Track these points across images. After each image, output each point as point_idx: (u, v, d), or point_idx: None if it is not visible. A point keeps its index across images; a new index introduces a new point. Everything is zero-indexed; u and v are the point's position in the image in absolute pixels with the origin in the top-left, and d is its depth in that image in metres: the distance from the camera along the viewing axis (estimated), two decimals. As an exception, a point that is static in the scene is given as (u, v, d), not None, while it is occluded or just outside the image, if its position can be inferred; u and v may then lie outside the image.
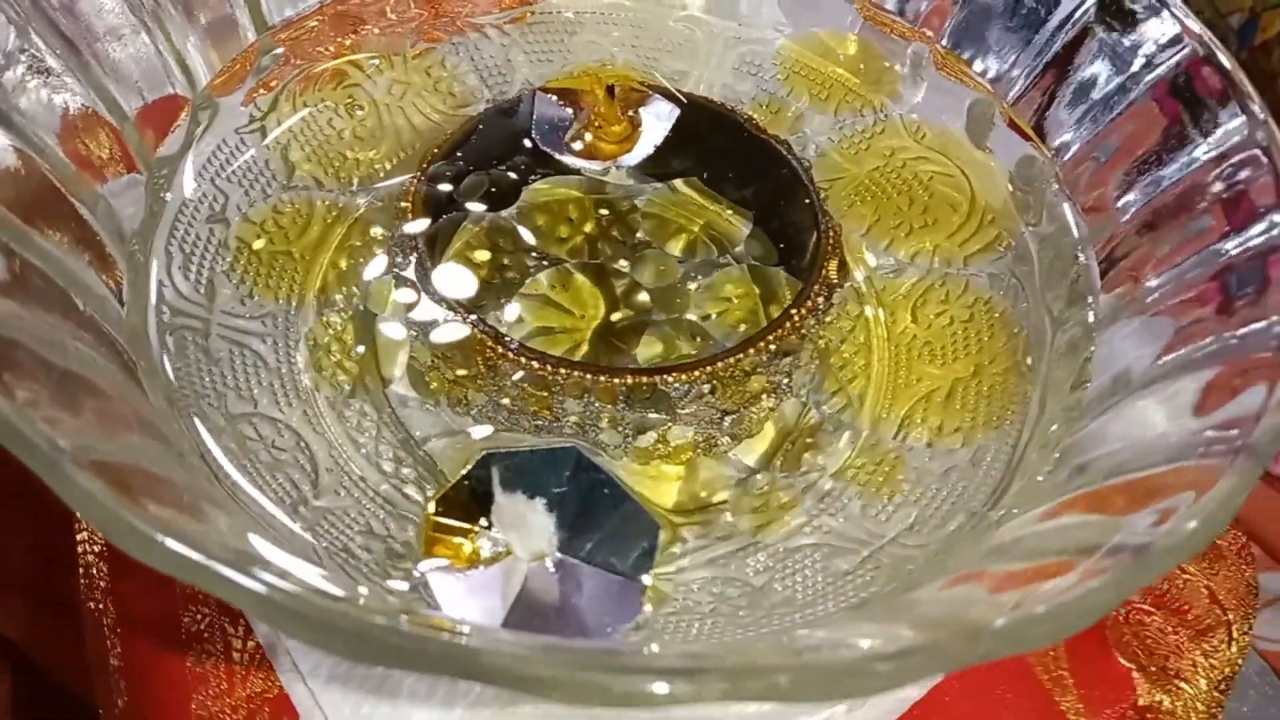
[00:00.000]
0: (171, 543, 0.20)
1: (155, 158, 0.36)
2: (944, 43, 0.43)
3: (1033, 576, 0.24)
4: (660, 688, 0.18)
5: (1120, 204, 0.37)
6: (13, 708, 0.54)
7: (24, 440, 0.21)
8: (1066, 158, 0.39)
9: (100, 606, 0.36)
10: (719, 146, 0.39)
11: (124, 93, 0.35)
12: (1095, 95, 0.39)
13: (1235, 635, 0.38)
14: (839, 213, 0.41)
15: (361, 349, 0.36)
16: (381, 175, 0.40)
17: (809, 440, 0.35)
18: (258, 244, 0.37)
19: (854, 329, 0.39)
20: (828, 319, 0.37)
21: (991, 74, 0.42)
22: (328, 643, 0.20)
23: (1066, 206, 0.38)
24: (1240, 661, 0.39)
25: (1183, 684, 0.37)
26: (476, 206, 0.37)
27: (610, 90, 0.37)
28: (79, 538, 0.37)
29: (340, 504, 0.32)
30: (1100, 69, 0.39)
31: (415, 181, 0.36)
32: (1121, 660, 0.36)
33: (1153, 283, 0.34)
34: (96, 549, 0.37)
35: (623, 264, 0.36)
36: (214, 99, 0.39)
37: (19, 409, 0.21)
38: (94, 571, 0.36)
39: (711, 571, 0.32)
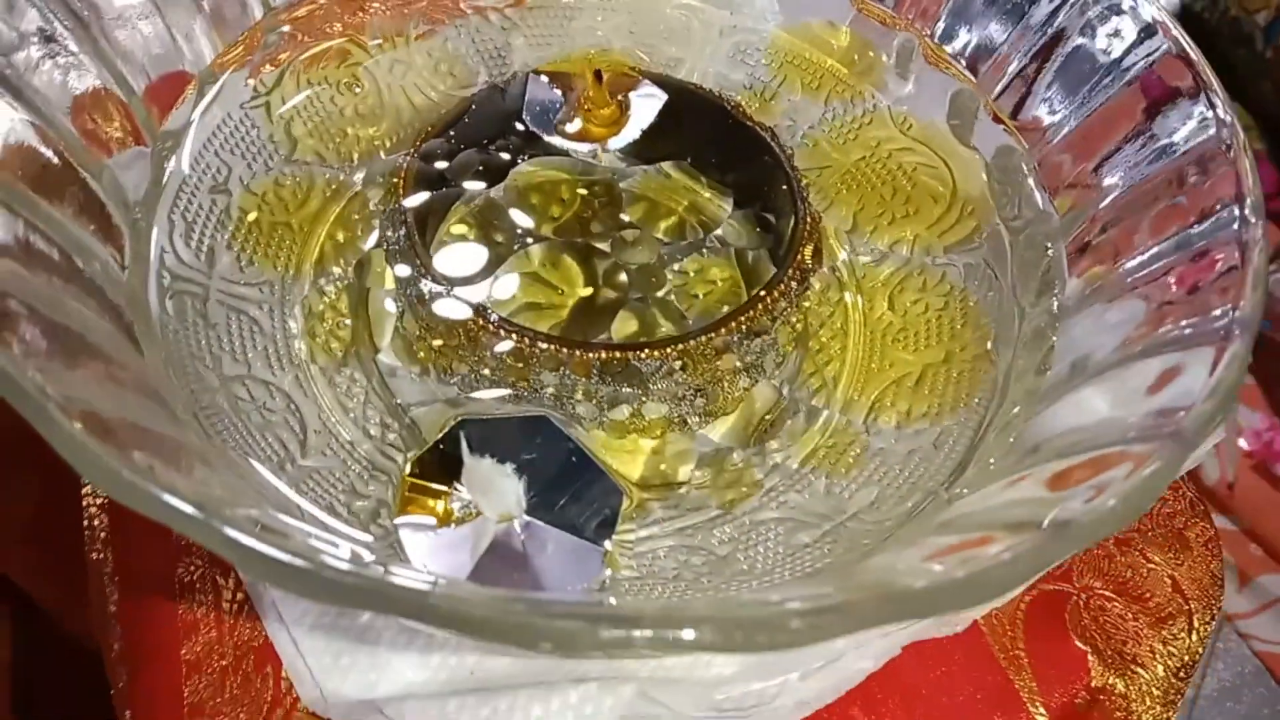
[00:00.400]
0: (150, 486, 0.21)
1: (161, 130, 0.38)
2: (940, 23, 0.44)
3: (964, 547, 0.25)
4: (588, 631, 0.20)
5: (1104, 184, 0.38)
6: (15, 651, 0.57)
7: (16, 388, 0.22)
8: (1055, 140, 0.40)
9: (101, 556, 0.38)
10: (704, 132, 0.40)
11: (132, 69, 0.37)
12: (1084, 75, 0.40)
13: (1196, 625, 0.39)
14: (825, 200, 0.43)
15: (350, 321, 0.37)
16: (381, 152, 0.42)
17: (781, 420, 0.37)
18: (257, 215, 0.39)
19: (833, 314, 0.40)
20: (805, 303, 0.39)
21: (985, 50, 0.43)
22: (293, 584, 0.22)
23: (1040, 197, 0.39)
24: (1201, 650, 0.40)
25: (1139, 669, 0.38)
26: (468, 184, 0.39)
27: (598, 75, 0.39)
28: (84, 490, 0.39)
29: (326, 464, 0.34)
30: (1090, 49, 0.40)
31: (409, 159, 0.38)
32: (1078, 643, 0.37)
33: (1130, 263, 0.35)
34: (99, 501, 0.39)
35: (606, 245, 0.37)
36: (220, 74, 0.40)
37: (13, 359, 0.23)
38: (96, 523, 0.38)
39: (679, 540, 0.33)
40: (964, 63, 0.43)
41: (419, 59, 0.44)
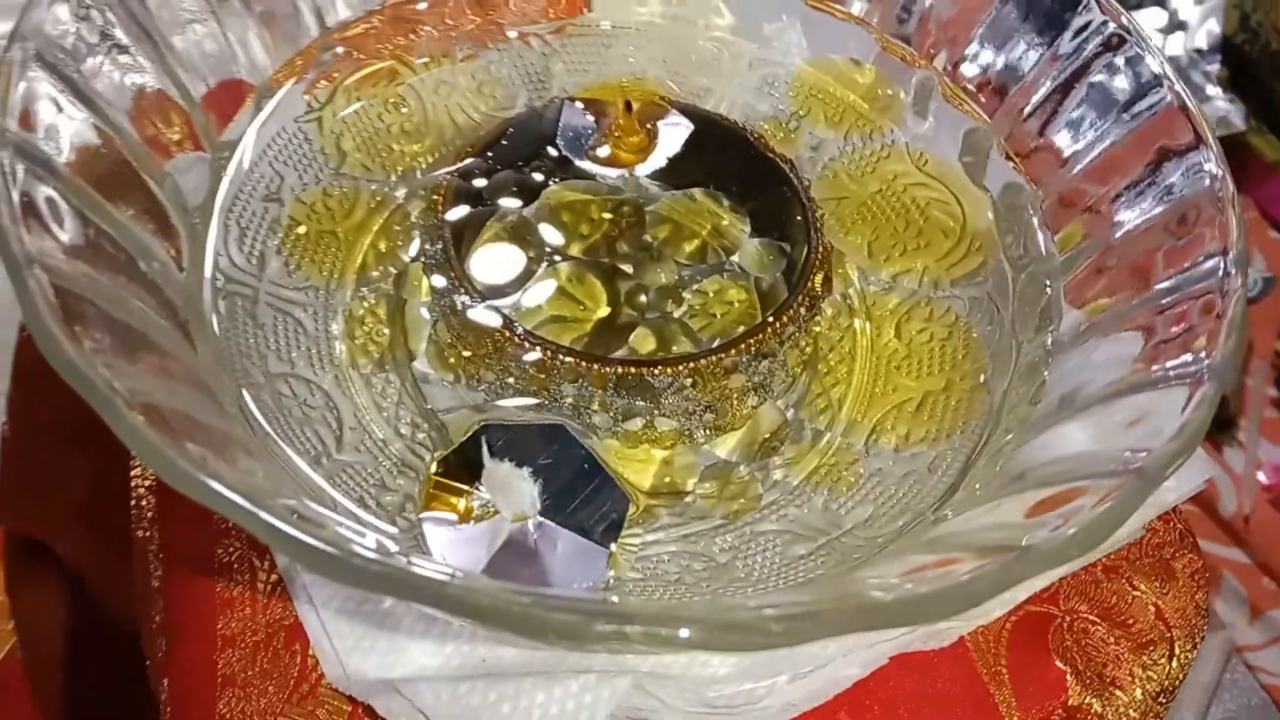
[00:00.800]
0: (202, 475, 0.24)
1: (220, 140, 0.40)
2: (971, 46, 0.46)
3: (938, 566, 0.27)
4: (584, 624, 0.22)
5: (1116, 218, 0.40)
6: (69, 628, 0.60)
7: (87, 382, 0.25)
8: (1076, 169, 0.42)
9: (147, 534, 0.41)
10: (728, 162, 0.42)
11: (192, 77, 0.40)
12: (1103, 110, 0.41)
13: (1178, 652, 0.41)
14: (843, 229, 0.45)
15: (388, 328, 0.40)
16: (423, 167, 0.44)
17: (785, 439, 0.39)
18: (306, 224, 0.41)
19: (842, 339, 0.42)
20: (815, 328, 0.41)
21: (1013, 74, 0.45)
22: (324, 569, 0.24)
23: (1043, 237, 0.41)
24: (1181, 677, 0.41)
25: (1118, 691, 0.39)
26: (503, 202, 0.41)
27: (628, 105, 0.41)
28: (133, 473, 0.42)
29: (359, 459, 0.36)
30: (1109, 86, 0.42)
31: (449, 176, 0.40)
32: (1058, 663, 0.39)
33: (1132, 299, 0.37)
34: (147, 483, 0.41)
35: (630, 266, 0.40)
36: (277, 89, 0.43)
37: (85, 355, 0.25)
38: (143, 503, 0.41)
39: (683, 546, 0.36)
40: (991, 85, 0.45)
41: (463, 80, 0.47)
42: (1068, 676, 0.39)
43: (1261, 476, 0.92)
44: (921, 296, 0.42)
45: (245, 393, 0.36)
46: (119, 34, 0.37)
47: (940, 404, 0.39)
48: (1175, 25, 1.08)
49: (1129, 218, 0.39)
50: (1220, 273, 0.32)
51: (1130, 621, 0.41)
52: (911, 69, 0.47)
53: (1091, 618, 0.40)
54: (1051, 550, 0.25)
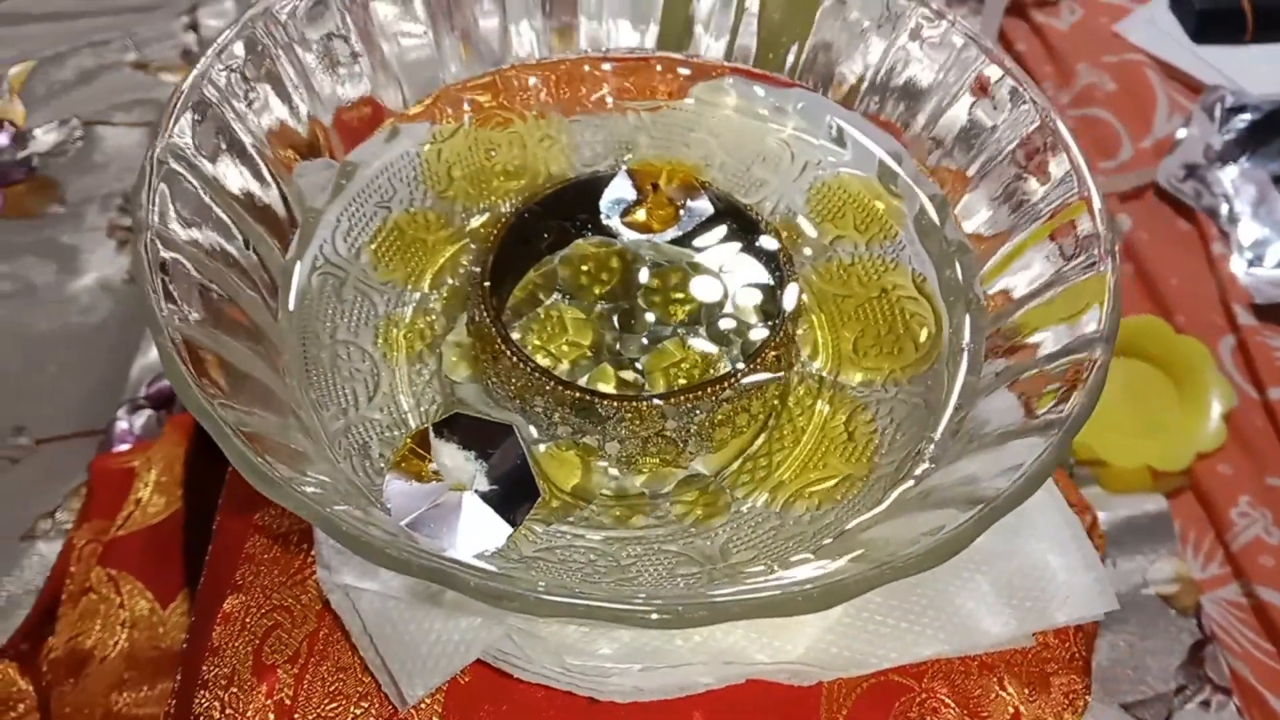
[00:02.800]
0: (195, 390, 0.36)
1: (348, 159, 0.53)
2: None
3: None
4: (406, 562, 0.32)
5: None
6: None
7: (155, 323, 0.37)
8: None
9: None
10: (735, 245, 0.50)
11: (328, 106, 0.52)
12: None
13: (1028, 755, 0.46)
14: (841, 321, 0.52)
15: (442, 325, 0.51)
16: (513, 202, 0.55)
17: (717, 487, 0.47)
18: (405, 230, 0.53)
19: (802, 415, 0.49)
20: (775, 402, 0.48)
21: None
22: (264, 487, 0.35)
23: (966, 363, 0.46)
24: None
25: (951, 774, 0.45)
26: (544, 245, 0.51)
27: (654, 185, 0.50)
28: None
29: (380, 418, 0.47)
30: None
31: (507, 216, 0.50)
32: (895, 730, 0.45)
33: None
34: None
35: (618, 315, 0.49)
36: (405, 124, 0.55)
37: (160, 303, 0.38)
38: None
39: (602, 546, 0.44)
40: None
41: (564, 137, 0.57)
42: (898, 744, 0.44)
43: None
44: (880, 394, 0.49)
45: (308, 349, 0.48)
46: (281, 71, 0.50)
47: (855, 489, 0.46)
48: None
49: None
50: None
51: (985, 715, 0.46)
52: (928, 187, 0.53)
53: (947, 701, 0.46)
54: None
